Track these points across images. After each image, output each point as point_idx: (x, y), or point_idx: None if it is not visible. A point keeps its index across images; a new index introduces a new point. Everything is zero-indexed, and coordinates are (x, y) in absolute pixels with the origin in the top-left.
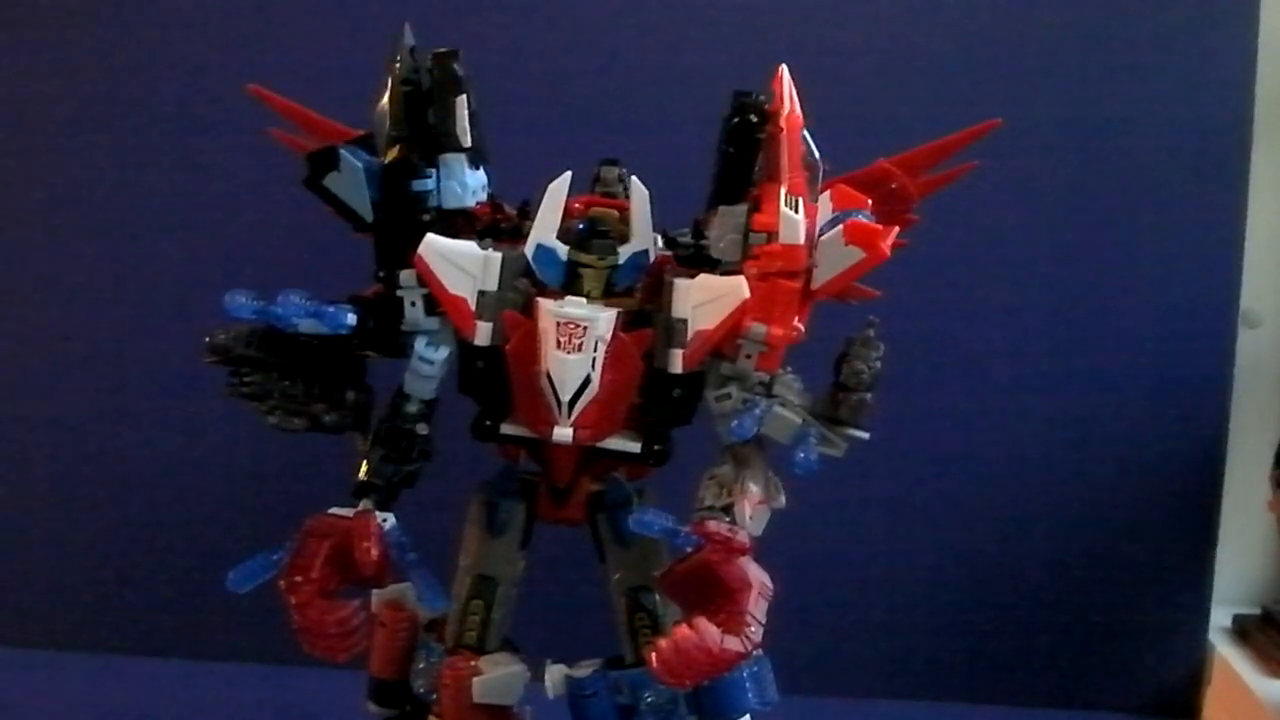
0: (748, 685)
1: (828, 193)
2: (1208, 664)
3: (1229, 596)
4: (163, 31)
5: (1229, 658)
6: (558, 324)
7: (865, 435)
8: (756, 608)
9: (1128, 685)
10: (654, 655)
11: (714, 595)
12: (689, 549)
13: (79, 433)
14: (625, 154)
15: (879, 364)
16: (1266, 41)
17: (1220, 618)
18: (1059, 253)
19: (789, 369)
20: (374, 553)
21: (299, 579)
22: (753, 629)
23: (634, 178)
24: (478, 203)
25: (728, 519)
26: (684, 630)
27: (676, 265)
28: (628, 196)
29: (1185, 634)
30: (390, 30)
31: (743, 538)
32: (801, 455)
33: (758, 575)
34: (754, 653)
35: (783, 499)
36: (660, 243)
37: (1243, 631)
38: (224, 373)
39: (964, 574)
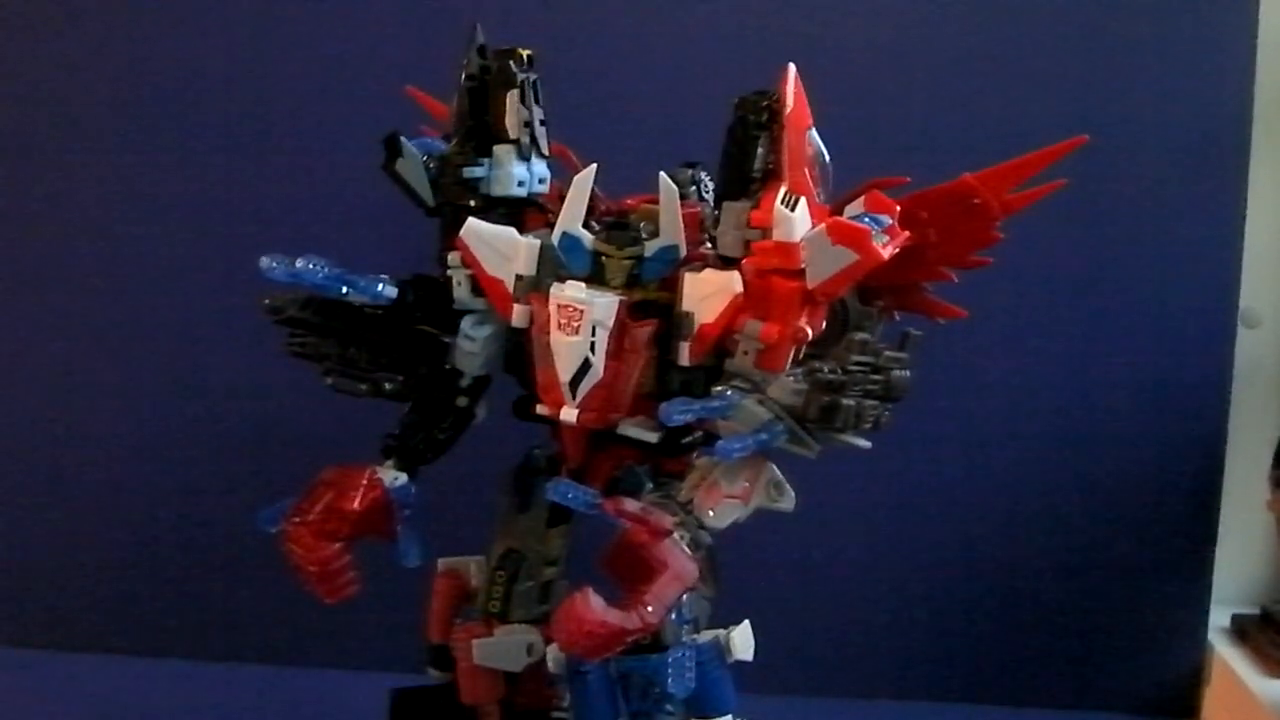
0: (669, 670)
1: (861, 198)
2: (1207, 664)
3: (1228, 596)
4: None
5: (1228, 658)
6: (558, 306)
7: (845, 439)
8: (664, 590)
9: (1128, 685)
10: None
11: (642, 576)
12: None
13: (79, 431)
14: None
15: (860, 369)
16: (1266, 41)
17: (1219, 618)
18: (1058, 252)
19: (798, 369)
20: (355, 504)
21: (296, 518)
22: (649, 609)
23: (662, 174)
24: (529, 194)
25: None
26: (573, 595)
27: (707, 260)
28: (702, 198)
29: (1185, 634)
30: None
31: (662, 520)
32: (722, 443)
33: (680, 561)
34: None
35: (788, 502)
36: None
37: (1242, 631)
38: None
39: (964, 574)
